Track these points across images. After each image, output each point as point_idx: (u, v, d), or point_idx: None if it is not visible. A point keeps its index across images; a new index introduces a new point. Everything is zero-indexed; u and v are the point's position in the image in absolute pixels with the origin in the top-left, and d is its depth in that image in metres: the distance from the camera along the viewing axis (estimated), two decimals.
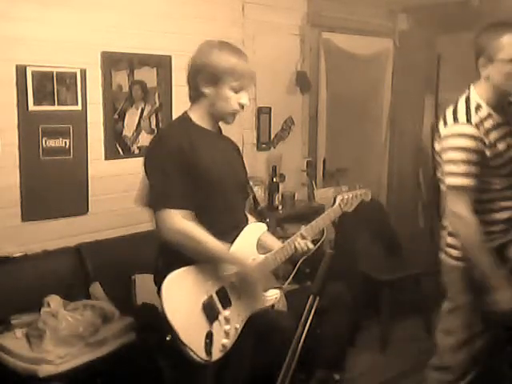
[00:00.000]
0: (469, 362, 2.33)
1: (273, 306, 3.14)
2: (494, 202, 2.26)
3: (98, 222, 3.23)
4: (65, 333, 2.52)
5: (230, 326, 2.09)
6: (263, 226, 2.28)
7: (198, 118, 2.14)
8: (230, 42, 2.15)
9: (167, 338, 1.97)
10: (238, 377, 2.27)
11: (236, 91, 2.09)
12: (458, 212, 2.19)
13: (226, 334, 2.08)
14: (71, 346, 2.48)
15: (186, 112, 2.18)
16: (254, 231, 2.24)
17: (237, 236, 2.16)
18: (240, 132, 3.96)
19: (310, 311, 1.69)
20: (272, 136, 4.21)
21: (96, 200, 3.24)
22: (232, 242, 2.14)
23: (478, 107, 2.20)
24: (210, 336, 1.96)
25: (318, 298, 1.72)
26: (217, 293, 2.09)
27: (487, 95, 2.22)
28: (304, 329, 1.68)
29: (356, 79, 4.68)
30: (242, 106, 2.13)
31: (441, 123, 2.27)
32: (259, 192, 3.94)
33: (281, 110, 4.22)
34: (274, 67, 4.10)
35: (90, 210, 3.25)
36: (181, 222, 2.00)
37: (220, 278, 2.10)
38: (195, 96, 2.14)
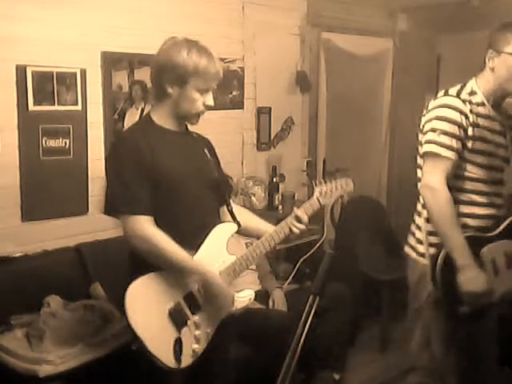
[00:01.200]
0: (436, 360, 2.31)
1: (270, 305, 3.16)
2: (467, 194, 2.23)
3: (97, 222, 3.22)
4: (65, 333, 2.52)
5: (200, 330, 2.03)
6: (233, 226, 2.17)
7: (160, 118, 2.07)
8: (197, 40, 2.06)
9: (133, 348, 1.93)
10: (222, 379, 2.24)
11: (202, 92, 2.03)
12: (432, 183, 2.15)
13: (197, 339, 2.03)
14: (71, 346, 2.47)
15: (148, 113, 2.13)
16: (223, 232, 2.14)
17: (205, 237, 2.09)
18: (240, 132, 3.96)
19: (310, 311, 1.69)
20: (272, 136, 4.21)
21: (96, 200, 3.23)
22: (200, 245, 2.07)
23: (473, 93, 2.22)
24: (178, 343, 1.90)
25: (317, 298, 1.71)
26: (184, 298, 2.02)
27: (487, 87, 2.23)
28: (304, 329, 1.68)
29: (356, 79, 4.68)
30: (208, 107, 2.07)
31: (431, 100, 2.28)
32: (259, 192, 3.94)
33: (281, 110, 4.22)
34: (274, 67, 4.11)
35: (89, 210, 3.24)
36: (144, 228, 1.94)
37: (187, 283, 2.03)
38: (158, 95, 2.07)
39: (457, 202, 2.20)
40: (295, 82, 4.27)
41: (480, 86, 2.23)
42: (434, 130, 2.17)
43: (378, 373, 3.46)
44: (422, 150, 2.24)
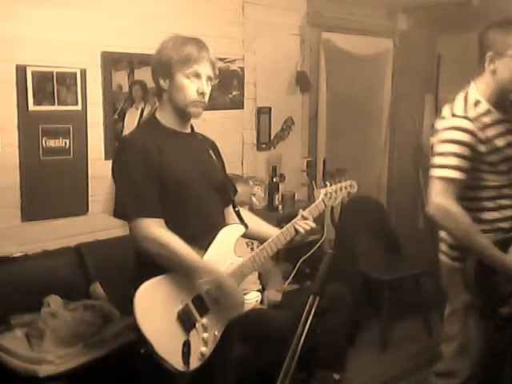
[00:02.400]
0: (473, 365, 2.31)
1: (271, 306, 3.16)
2: (494, 200, 2.25)
3: (97, 222, 3.23)
4: (65, 333, 2.52)
5: (208, 333, 2.03)
6: (241, 228, 2.18)
7: (165, 118, 2.07)
8: (192, 37, 2.06)
9: (142, 351, 1.92)
10: (222, 379, 2.23)
11: (191, 79, 2.01)
12: (443, 204, 2.17)
13: (205, 341, 2.02)
14: (71, 346, 2.47)
15: (153, 113, 2.13)
16: (231, 234, 2.14)
17: (212, 240, 2.08)
18: (240, 132, 3.96)
19: (310, 311, 1.69)
20: (272, 136, 4.21)
21: (96, 200, 3.24)
22: (207, 247, 2.06)
23: (477, 103, 2.21)
24: (187, 345, 1.88)
25: (317, 298, 1.71)
26: (193, 301, 2.01)
27: (488, 91, 2.22)
28: (304, 329, 1.68)
29: (356, 79, 4.68)
30: (203, 95, 2.04)
31: (438, 119, 2.28)
32: (259, 192, 3.94)
33: (281, 110, 4.22)
34: (274, 67, 4.11)
35: (89, 210, 3.25)
36: (154, 231, 1.93)
37: (195, 285, 2.01)
38: (157, 92, 2.09)
39: (486, 209, 2.25)
40: (295, 82, 4.27)
41: (481, 92, 2.23)
42: (442, 154, 2.19)
43: (377, 373, 3.46)
44: (431, 172, 2.25)
